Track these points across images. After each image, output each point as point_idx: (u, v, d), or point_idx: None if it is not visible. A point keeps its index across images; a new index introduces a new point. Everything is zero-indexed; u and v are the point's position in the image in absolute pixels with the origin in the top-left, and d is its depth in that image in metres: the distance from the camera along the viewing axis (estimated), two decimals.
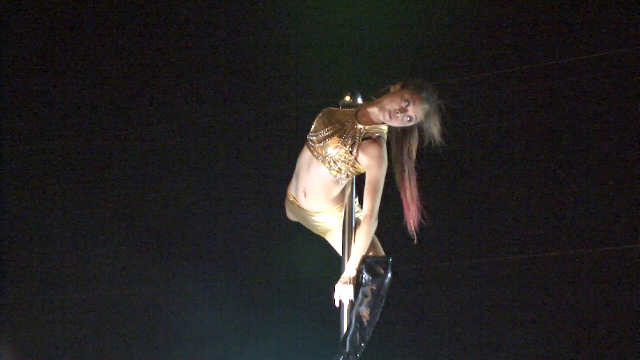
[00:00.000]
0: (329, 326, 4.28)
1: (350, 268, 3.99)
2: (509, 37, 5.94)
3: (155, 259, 6.33)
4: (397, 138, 4.06)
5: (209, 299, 6.23)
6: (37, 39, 6.76)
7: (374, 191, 3.96)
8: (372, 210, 3.96)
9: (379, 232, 4.15)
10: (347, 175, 4.08)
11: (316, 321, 5.86)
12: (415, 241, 4.05)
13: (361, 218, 4.02)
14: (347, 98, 4.22)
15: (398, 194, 4.09)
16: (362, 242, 3.98)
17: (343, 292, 3.96)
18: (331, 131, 4.05)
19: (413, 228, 4.04)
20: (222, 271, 6.27)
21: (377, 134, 4.03)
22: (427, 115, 4.01)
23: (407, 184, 4.04)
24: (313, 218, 4.28)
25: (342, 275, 4.00)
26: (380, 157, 3.98)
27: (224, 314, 6.19)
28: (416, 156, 4.06)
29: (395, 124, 4.01)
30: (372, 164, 3.97)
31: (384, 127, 4.08)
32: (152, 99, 6.54)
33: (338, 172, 4.05)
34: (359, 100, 4.23)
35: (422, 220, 4.05)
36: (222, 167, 6.41)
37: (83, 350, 6.40)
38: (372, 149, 3.97)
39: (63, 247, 6.51)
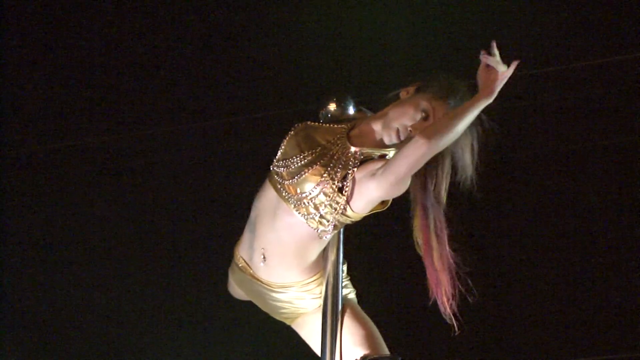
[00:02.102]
0: None
1: (484, 94, 2.76)
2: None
3: (156, 264, 5.91)
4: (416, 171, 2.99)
5: (210, 302, 5.71)
6: (39, 36, 6.33)
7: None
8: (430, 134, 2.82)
9: (375, 315, 3.09)
10: (335, 227, 2.98)
11: None
12: (456, 330, 2.92)
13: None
14: (333, 107, 3.22)
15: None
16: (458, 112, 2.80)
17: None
18: (310, 158, 2.98)
19: (449, 309, 2.93)
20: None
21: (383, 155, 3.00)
22: None
23: (433, 242, 2.95)
24: (275, 295, 3.14)
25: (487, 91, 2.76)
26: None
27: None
28: (447, 199, 2.98)
29: None
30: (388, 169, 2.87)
31: (392, 153, 3.01)
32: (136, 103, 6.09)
33: (320, 222, 2.96)
34: (351, 111, 3.22)
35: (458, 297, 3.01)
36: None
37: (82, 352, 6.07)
38: (374, 163, 2.91)
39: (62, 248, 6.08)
